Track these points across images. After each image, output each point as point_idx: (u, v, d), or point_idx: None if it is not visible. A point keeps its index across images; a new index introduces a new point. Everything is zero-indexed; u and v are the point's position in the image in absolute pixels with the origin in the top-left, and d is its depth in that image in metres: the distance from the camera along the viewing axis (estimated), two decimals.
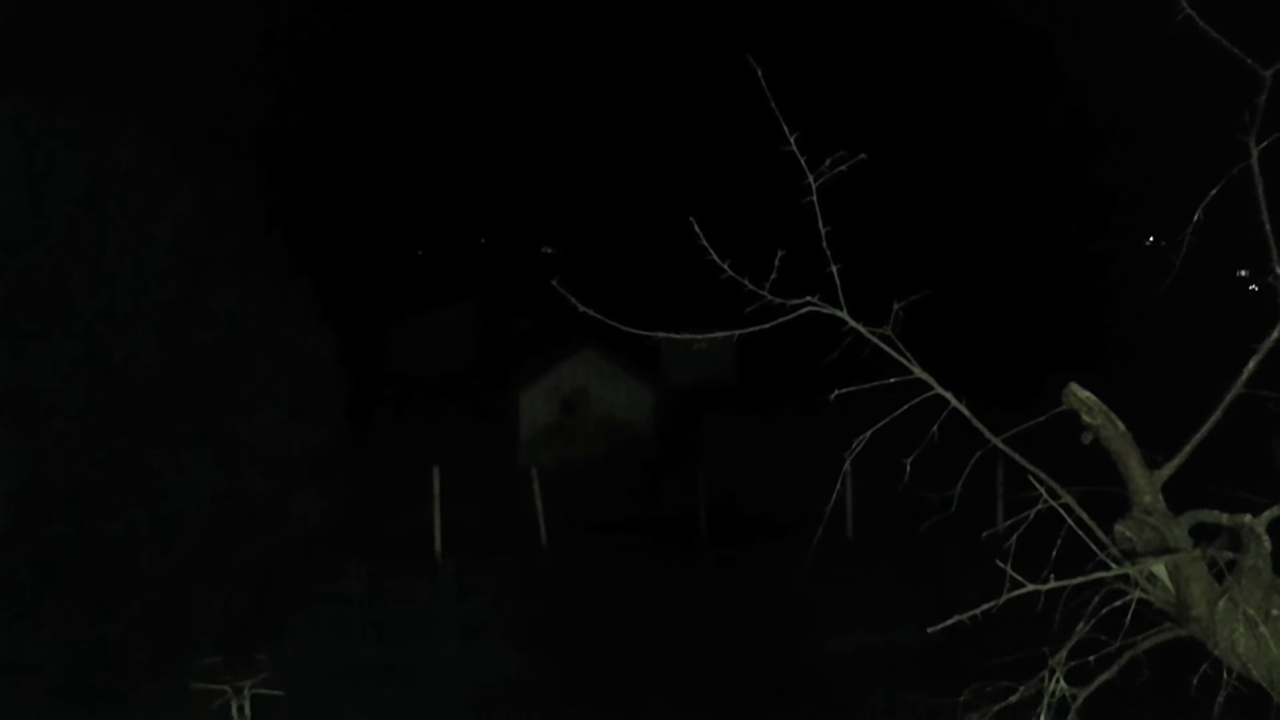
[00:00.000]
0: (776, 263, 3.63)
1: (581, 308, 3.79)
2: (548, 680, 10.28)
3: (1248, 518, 3.62)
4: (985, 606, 3.44)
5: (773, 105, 3.66)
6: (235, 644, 9.68)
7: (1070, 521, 3.60)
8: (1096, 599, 3.68)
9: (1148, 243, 26.98)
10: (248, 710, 9.19)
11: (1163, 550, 3.61)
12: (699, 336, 3.83)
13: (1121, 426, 3.72)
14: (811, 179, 3.61)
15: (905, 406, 3.62)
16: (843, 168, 3.58)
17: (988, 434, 3.66)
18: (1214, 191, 3.78)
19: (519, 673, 10.52)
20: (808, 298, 3.60)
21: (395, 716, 9.70)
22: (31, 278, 9.70)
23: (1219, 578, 3.65)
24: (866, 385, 3.71)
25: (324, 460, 11.74)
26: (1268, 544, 3.59)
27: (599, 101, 34.60)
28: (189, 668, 9.48)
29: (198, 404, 10.49)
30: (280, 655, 9.87)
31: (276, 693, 9.33)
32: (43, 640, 9.24)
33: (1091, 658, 3.74)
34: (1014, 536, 3.65)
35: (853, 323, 3.63)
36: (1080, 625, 3.69)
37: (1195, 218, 3.78)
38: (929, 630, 3.49)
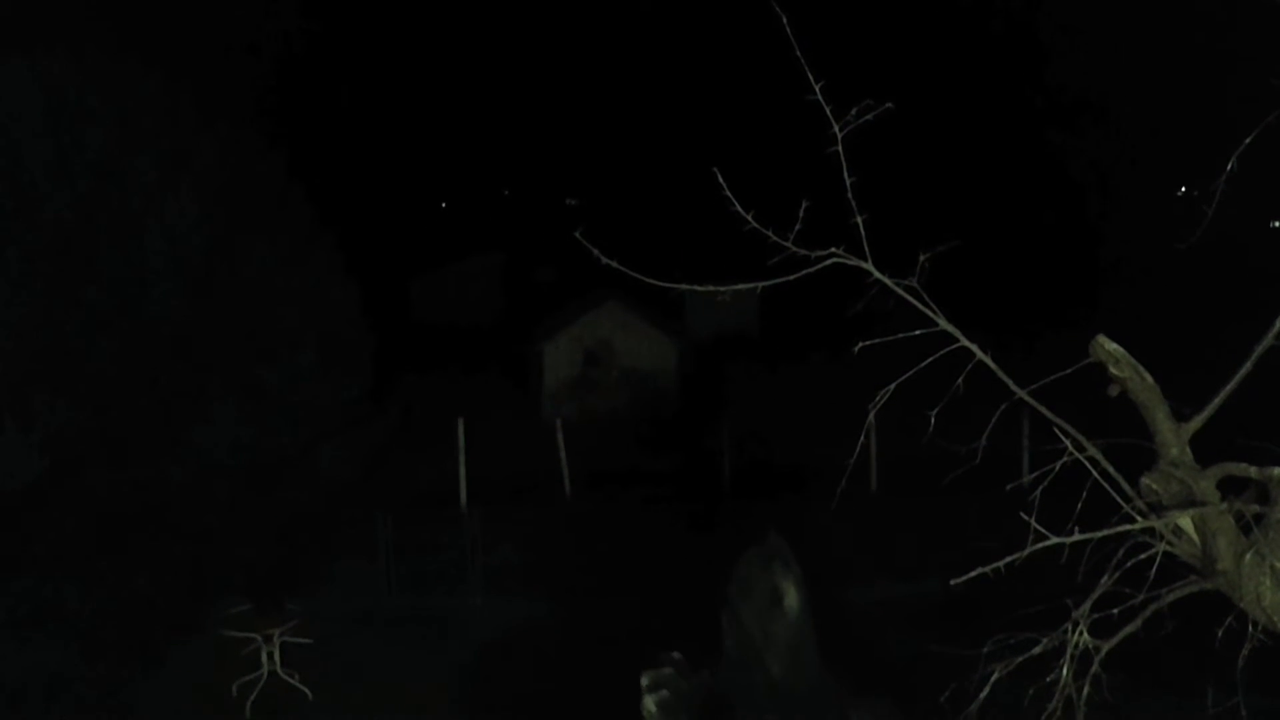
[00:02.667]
0: (801, 214, 3.60)
1: (605, 259, 3.78)
2: (570, 628, 10.39)
3: (1276, 471, 3.59)
4: (1009, 559, 3.44)
5: (797, 53, 3.61)
6: (264, 593, 9.80)
7: (1096, 474, 3.59)
8: (1121, 552, 3.67)
9: (1179, 192, 26.60)
10: (277, 657, 9.33)
11: (1189, 503, 3.59)
12: (722, 289, 3.82)
13: (1149, 379, 3.69)
14: (837, 128, 3.56)
15: (930, 359, 3.60)
16: (869, 117, 3.54)
17: (1013, 386, 3.64)
18: (1248, 140, 3.72)
19: (542, 621, 10.64)
20: (832, 249, 3.57)
21: (421, 664, 9.83)
22: (59, 231, 9.75)
23: (1246, 531, 3.63)
24: (891, 337, 3.69)
25: (350, 412, 11.82)
26: None
27: (623, 52, 34.29)
28: (219, 617, 9.62)
29: (225, 356, 10.57)
30: (308, 604, 10.00)
31: (305, 640, 9.46)
32: (74, 590, 9.39)
33: (1115, 610, 3.74)
34: (1039, 489, 3.64)
35: (878, 274, 3.60)
36: (1105, 578, 3.68)
37: (1229, 166, 3.72)
38: (952, 582, 3.49)
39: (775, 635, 6.37)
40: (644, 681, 6.12)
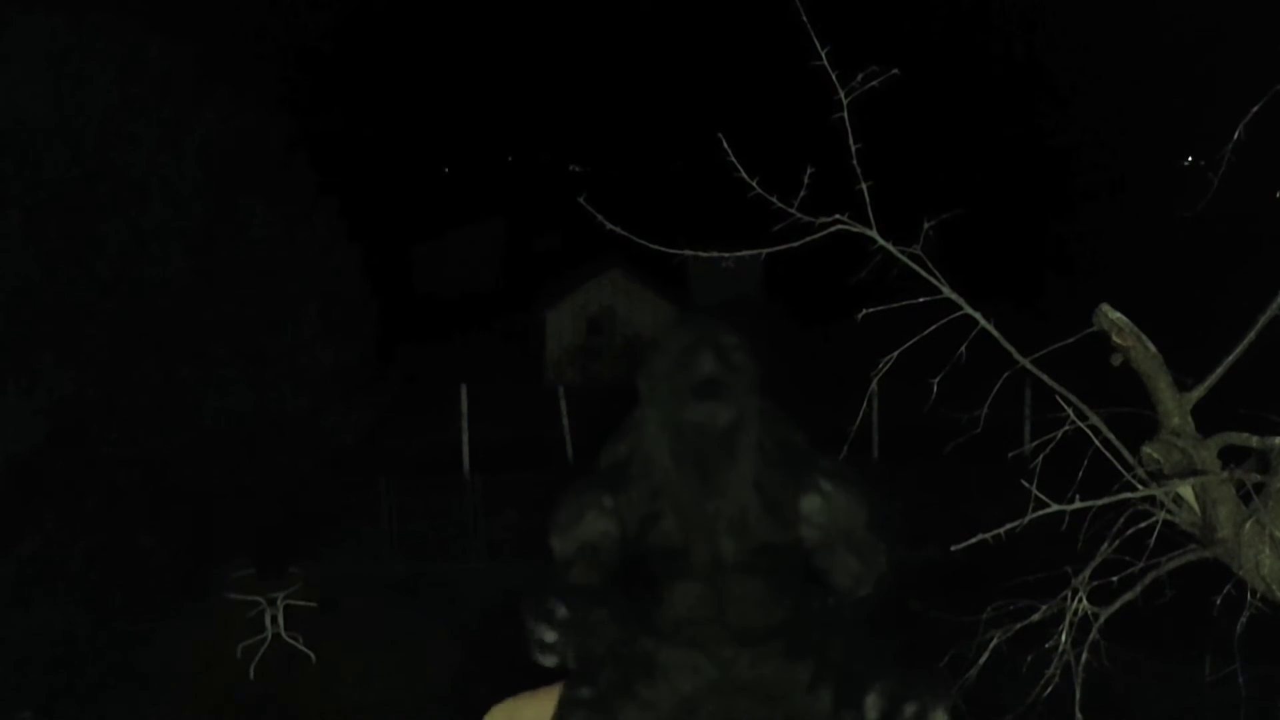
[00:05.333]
0: (806, 180, 3.59)
1: (609, 225, 3.77)
2: None
3: (1277, 440, 3.60)
4: (1009, 526, 3.45)
5: (804, 18, 3.59)
6: (268, 557, 9.86)
7: (1097, 442, 3.60)
8: (1121, 520, 3.69)
9: (1186, 162, 26.46)
10: (281, 621, 9.40)
11: (1190, 472, 3.60)
12: (726, 255, 3.81)
13: (1152, 348, 3.69)
14: (842, 95, 3.55)
15: (933, 326, 3.60)
16: (875, 83, 3.52)
17: (1016, 354, 3.64)
18: (1255, 108, 3.70)
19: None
20: (836, 215, 3.57)
21: (424, 627, 9.90)
22: (62, 195, 9.73)
23: (1246, 500, 3.64)
24: (894, 305, 3.69)
25: (353, 377, 11.85)
26: None
27: (627, 16, 34.04)
28: (223, 580, 9.68)
29: (228, 321, 10.58)
30: (312, 568, 10.06)
31: (309, 604, 9.53)
32: (79, 553, 9.44)
33: (1115, 578, 3.76)
34: (1040, 457, 3.65)
35: (882, 241, 3.59)
36: (1104, 546, 3.70)
37: (1236, 135, 3.71)
38: (953, 549, 3.51)
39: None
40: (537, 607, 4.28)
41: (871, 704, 2.11)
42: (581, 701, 2.62)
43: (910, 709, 2.10)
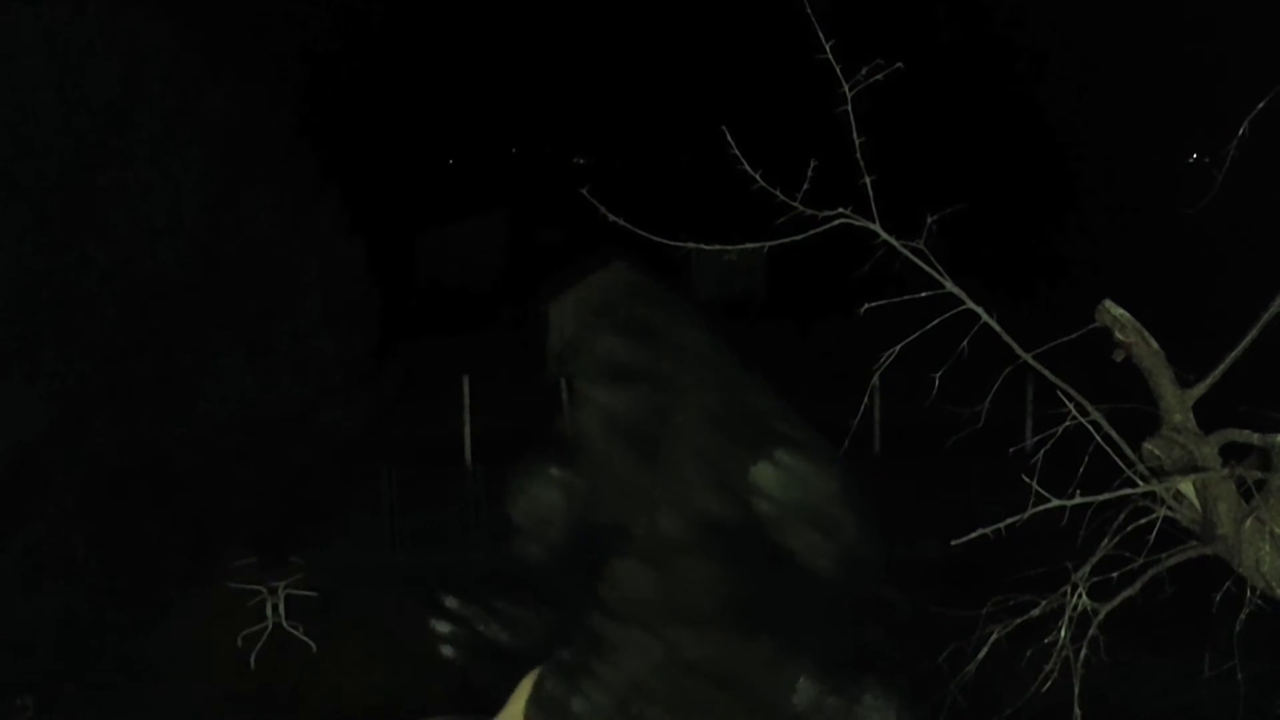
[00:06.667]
0: (809, 173, 3.59)
1: (612, 217, 3.77)
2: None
3: (1278, 437, 3.60)
4: (1010, 520, 3.45)
5: (808, 10, 3.58)
6: (269, 546, 9.88)
7: (1098, 438, 3.59)
8: (1122, 516, 3.69)
9: (1190, 159, 26.40)
10: (282, 609, 9.42)
11: (1191, 469, 3.60)
12: (730, 248, 3.81)
13: (1154, 344, 3.69)
14: (846, 88, 3.54)
15: (936, 321, 3.59)
16: (879, 77, 3.51)
17: (1018, 349, 3.64)
18: (1261, 104, 3.69)
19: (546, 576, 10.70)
20: (840, 209, 3.56)
21: (425, 617, 9.90)
22: (65, 184, 9.73)
23: (1247, 497, 3.64)
24: (897, 299, 3.69)
25: (356, 368, 11.86)
26: None
27: (632, 8, 33.97)
28: (225, 569, 9.70)
29: (231, 311, 10.58)
30: (313, 558, 10.07)
31: (310, 593, 9.55)
32: (82, 541, 9.46)
33: (1115, 574, 3.76)
34: (1041, 453, 3.64)
35: (885, 235, 3.59)
36: (1105, 541, 3.70)
37: (1241, 131, 3.70)
38: (953, 543, 3.51)
39: None
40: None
41: (802, 688, 2.07)
42: (560, 665, 2.61)
43: (833, 701, 2.07)
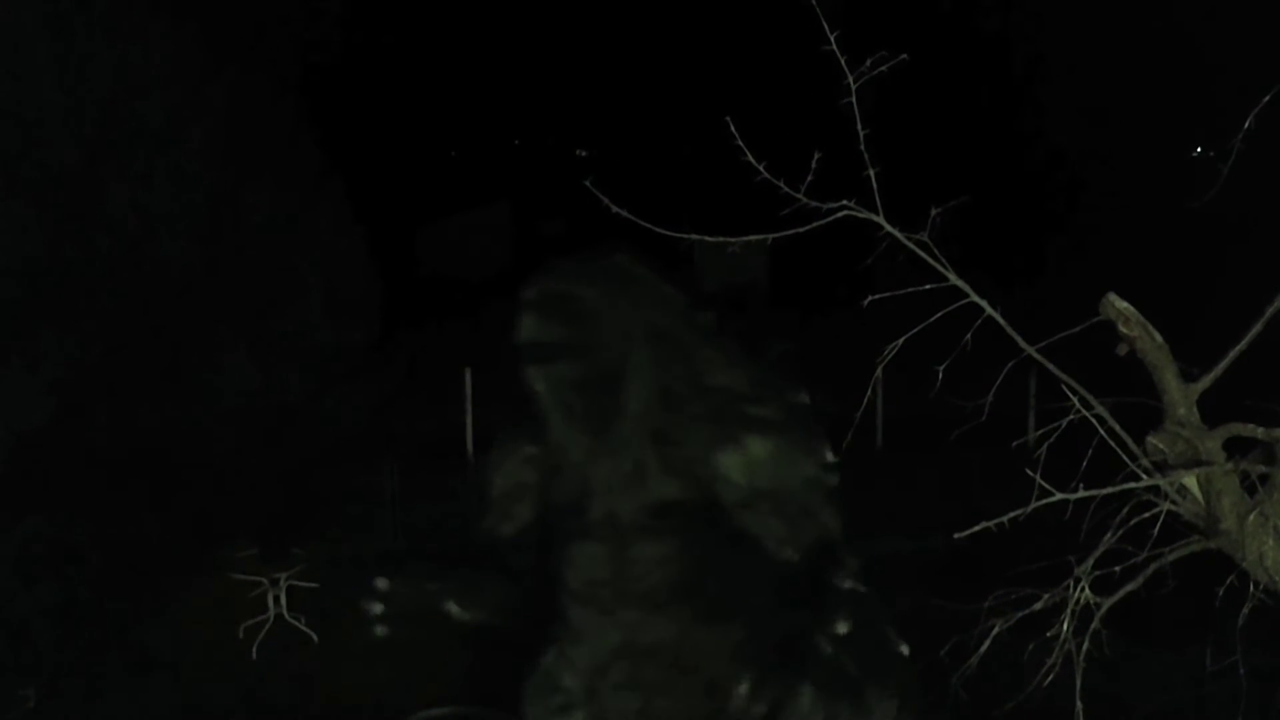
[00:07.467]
0: (813, 165, 3.57)
1: (614, 208, 3.76)
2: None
3: None
4: (1013, 514, 3.44)
5: (813, 1, 3.56)
6: (271, 537, 9.88)
7: (1102, 432, 3.59)
8: (1125, 510, 3.68)
9: (1195, 153, 26.35)
10: (283, 600, 9.42)
11: (1195, 463, 3.59)
12: (733, 240, 3.80)
13: (1159, 338, 3.68)
14: (851, 79, 3.53)
15: (940, 314, 3.58)
16: (884, 68, 3.50)
17: (1022, 343, 3.63)
18: (1266, 98, 3.67)
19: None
20: (844, 201, 3.55)
21: (426, 608, 9.90)
22: (67, 175, 9.73)
23: (1250, 491, 3.64)
24: (901, 291, 3.68)
25: (357, 360, 11.86)
26: None
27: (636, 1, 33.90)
28: (226, 561, 9.70)
29: (232, 303, 10.58)
30: (314, 549, 10.07)
31: (311, 584, 9.54)
32: (83, 531, 9.47)
33: (1117, 568, 3.75)
34: (1044, 446, 3.64)
35: (889, 228, 3.58)
36: (1108, 535, 3.69)
37: (1246, 124, 3.68)
38: (956, 536, 3.50)
39: None
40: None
41: (742, 689, 2.04)
42: (552, 640, 2.59)
43: (760, 708, 2.04)
